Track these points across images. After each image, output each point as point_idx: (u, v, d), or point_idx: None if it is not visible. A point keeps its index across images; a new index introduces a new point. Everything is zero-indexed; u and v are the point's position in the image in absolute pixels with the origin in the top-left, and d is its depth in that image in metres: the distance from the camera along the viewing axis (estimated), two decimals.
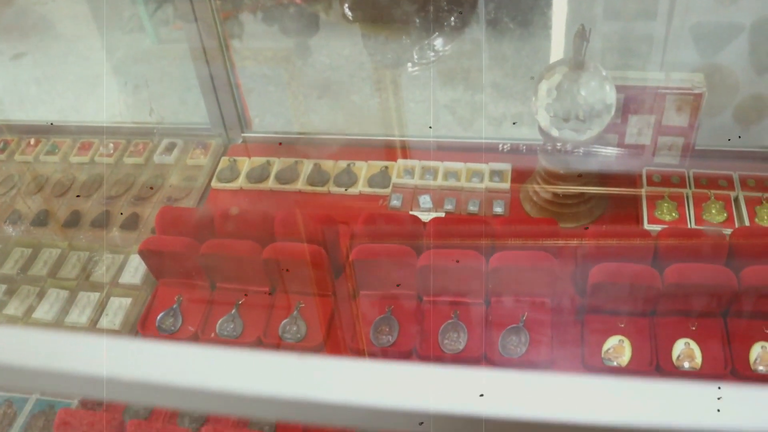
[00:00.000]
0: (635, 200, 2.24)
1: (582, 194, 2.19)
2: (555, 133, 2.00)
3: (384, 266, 1.97)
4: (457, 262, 1.91)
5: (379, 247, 1.97)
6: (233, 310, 2.06)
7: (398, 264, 1.96)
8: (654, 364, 1.88)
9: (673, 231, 1.98)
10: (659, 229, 2.04)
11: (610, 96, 1.99)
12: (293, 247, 1.99)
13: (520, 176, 2.37)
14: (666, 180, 2.27)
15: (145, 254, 2.06)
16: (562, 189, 2.19)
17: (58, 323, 2.11)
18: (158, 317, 2.07)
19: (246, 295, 2.08)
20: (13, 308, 2.14)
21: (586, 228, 2.11)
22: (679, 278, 1.85)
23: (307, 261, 1.97)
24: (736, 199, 2.19)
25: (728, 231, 2.03)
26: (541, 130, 2.10)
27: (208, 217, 2.09)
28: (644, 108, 2.22)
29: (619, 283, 1.88)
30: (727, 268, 1.87)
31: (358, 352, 1.98)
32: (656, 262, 1.93)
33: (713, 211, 2.14)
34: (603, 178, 2.26)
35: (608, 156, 2.25)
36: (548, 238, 1.97)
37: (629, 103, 2.22)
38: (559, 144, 2.06)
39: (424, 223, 2.04)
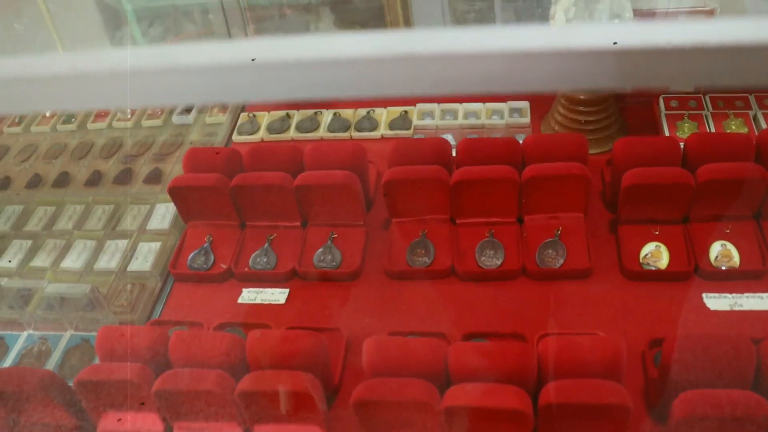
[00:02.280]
0: (655, 124, 2.26)
1: (603, 119, 2.20)
2: None
3: (416, 187, 1.97)
4: (489, 178, 1.90)
5: (411, 168, 1.98)
6: (266, 245, 2.05)
7: (430, 183, 1.96)
8: (693, 265, 1.88)
9: (700, 135, 1.99)
10: None
11: (627, 9, 2.01)
12: (325, 174, 1.99)
13: (540, 112, 2.38)
14: (683, 104, 2.30)
15: (175, 192, 2.05)
16: (584, 116, 2.20)
17: (87, 271, 2.08)
18: (189, 257, 2.06)
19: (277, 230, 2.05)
20: (41, 260, 2.12)
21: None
22: (713, 175, 1.86)
23: (339, 186, 1.97)
24: (755, 117, 2.21)
25: None
26: None
27: (236, 154, 2.09)
28: None
29: (652, 185, 1.88)
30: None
31: (391, 274, 1.96)
32: (686, 167, 1.94)
33: (734, 127, 2.16)
34: (621, 105, 2.28)
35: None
36: (577, 149, 1.97)
37: None
38: None
39: (453, 146, 2.04)
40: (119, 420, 1.68)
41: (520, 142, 2.06)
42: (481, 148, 2.01)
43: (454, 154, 2.10)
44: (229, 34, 2.62)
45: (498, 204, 1.98)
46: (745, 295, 1.83)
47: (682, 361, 1.47)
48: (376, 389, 1.52)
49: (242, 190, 2.02)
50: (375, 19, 2.59)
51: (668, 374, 1.48)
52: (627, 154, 1.95)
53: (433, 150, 2.03)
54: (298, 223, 2.08)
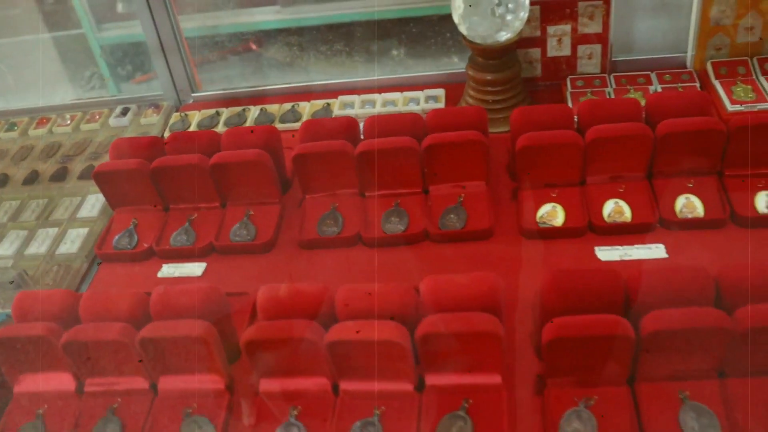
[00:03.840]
0: (562, 103, 2.37)
1: (511, 98, 2.32)
2: (464, 30, 2.15)
3: (325, 161, 2.08)
4: (391, 148, 2.01)
5: (318, 143, 2.08)
6: (186, 224, 2.14)
7: (337, 156, 2.06)
8: (586, 221, 1.98)
9: (591, 101, 2.10)
10: None
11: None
12: (238, 153, 2.10)
13: (455, 100, 2.50)
14: (588, 83, 2.42)
15: (99, 177, 2.16)
16: (491, 96, 2.32)
17: (18, 257, 2.18)
18: (115, 239, 2.16)
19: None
20: None
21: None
22: (600, 134, 1.97)
23: (251, 164, 2.08)
24: (655, 91, 2.33)
25: None
26: (464, 38, 2.25)
27: (158, 141, 2.20)
28: (560, 18, 2.38)
29: (544, 146, 1.98)
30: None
31: (303, 244, 2.06)
32: (580, 131, 2.05)
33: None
34: (530, 87, 2.41)
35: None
36: (477, 120, 2.08)
37: (546, 15, 2.37)
38: (478, 40, 2.20)
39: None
40: (33, 379, 1.76)
41: None
42: (386, 124, 2.12)
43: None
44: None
45: (403, 175, 2.08)
46: (635, 246, 1.91)
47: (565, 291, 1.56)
48: (264, 330, 1.60)
49: (162, 172, 2.12)
50: None
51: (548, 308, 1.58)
52: (523, 121, 2.07)
53: (341, 128, 2.14)
54: (217, 204, 2.18)
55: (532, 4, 2.31)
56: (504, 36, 2.20)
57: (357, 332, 1.55)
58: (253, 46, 3.53)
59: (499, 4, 2.15)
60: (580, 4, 2.34)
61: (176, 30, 2.56)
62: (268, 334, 1.59)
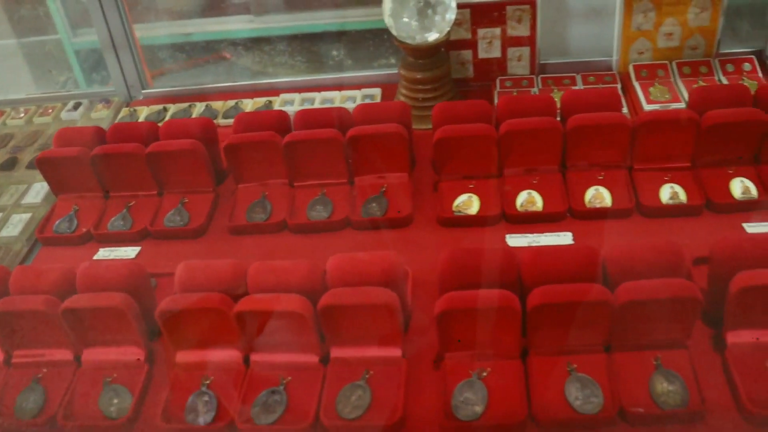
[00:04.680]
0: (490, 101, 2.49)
1: (440, 96, 2.44)
2: (394, 30, 2.27)
3: (255, 151, 2.19)
4: (317, 139, 2.12)
5: (249, 135, 2.19)
6: (124, 210, 2.25)
7: (267, 146, 2.17)
8: (500, 210, 2.09)
9: (508, 97, 2.22)
10: None
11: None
12: (174, 143, 2.21)
13: (390, 98, 2.62)
14: (517, 83, 2.54)
15: (43, 164, 2.27)
16: (422, 94, 2.44)
17: None
18: (55, 223, 2.26)
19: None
20: None
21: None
22: (512, 127, 2.08)
23: (186, 152, 2.18)
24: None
25: None
26: (395, 38, 2.37)
27: (100, 131, 2.31)
28: (490, 21, 2.50)
29: (460, 138, 2.10)
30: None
31: (232, 230, 2.17)
32: (494, 124, 2.16)
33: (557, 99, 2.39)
34: (459, 87, 2.53)
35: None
36: (400, 115, 2.20)
37: (476, 18, 2.50)
38: (407, 40, 2.32)
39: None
40: None
41: None
42: (315, 117, 2.23)
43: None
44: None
45: (329, 166, 2.19)
46: (544, 234, 2.03)
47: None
48: (176, 301, 1.71)
49: (102, 160, 2.23)
50: None
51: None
52: (443, 116, 2.18)
53: (272, 120, 2.25)
54: (155, 192, 2.29)
55: (462, 7, 2.43)
56: (432, 36, 2.32)
57: (262, 302, 1.65)
58: (227, 55, 3.65)
59: (426, 6, 2.26)
60: (508, 7, 2.46)
61: (127, 28, 2.68)
62: (179, 305, 1.69)
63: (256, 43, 3.39)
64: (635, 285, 1.60)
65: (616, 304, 1.59)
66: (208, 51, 3.63)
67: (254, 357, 1.75)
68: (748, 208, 2.05)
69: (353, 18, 3.44)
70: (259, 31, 3.60)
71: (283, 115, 2.25)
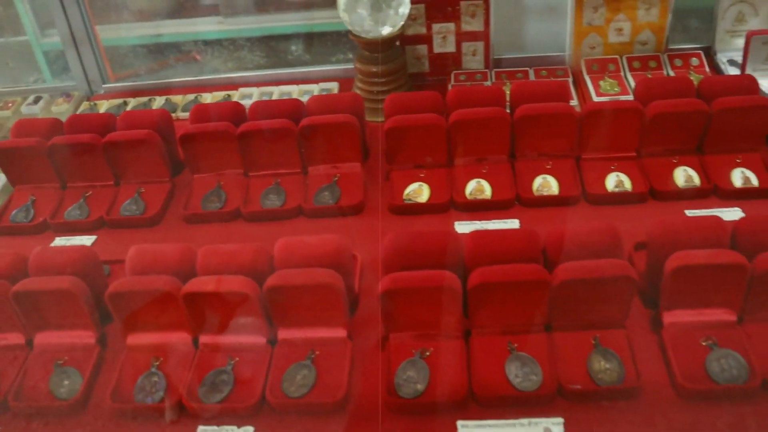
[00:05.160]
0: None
1: (395, 89, 2.49)
2: (348, 24, 2.31)
3: (209, 141, 2.22)
4: (270, 129, 2.16)
5: (204, 125, 2.23)
6: (81, 200, 2.28)
7: (221, 136, 2.21)
8: (449, 198, 2.14)
9: (457, 89, 2.27)
10: None
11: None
12: (131, 133, 2.24)
13: (347, 91, 2.66)
14: (471, 77, 2.60)
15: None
16: (377, 87, 2.49)
17: None
18: (12, 213, 2.28)
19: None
20: None
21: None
22: (461, 116, 2.13)
23: (141, 143, 2.22)
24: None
25: None
26: (350, 32, 2.42)
27: (58, 122, 2.34)
28: (444, 16, 2.55)
29: (410, 127, 2.14)
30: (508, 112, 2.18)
31: (187, 218, 2.20)
32: (445, 114, 2.21)
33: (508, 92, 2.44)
34: (415, 81, 2.57)
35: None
36: (352, 105, 2.24)
37: (431, 13, 2.55)
38: (362, 34, 2.36)
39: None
40: None
41: None
42: (269, 109, 2.27)
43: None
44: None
45: (282, 156, 2.24)
46: (492, 221, 2.07)
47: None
48: (124, 283, 1.74)
49: (58, 150, 2.26)
50: None
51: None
52: (395, 106, 2.23)
53: (227, 112, 2.29)
54: (111, 183, 2.32)
55: (417, 2, 2.48)
56: (386, 30, 2.37)
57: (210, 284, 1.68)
58: (197, 56, 3.68)
59: (380, 0, 2.31)
60: (462, 3, 2.52)
61: (87, 23, 2.71)
62: (128, 287, 1.72)
63: (217, 40, 3.43)
64: (572, 265, 1.65)
65: (553, 283, 1.63)
66: (177, 52, 3.66)
67: (203, 339, 1.78)
68: (690, 196, 2.10)
69: (320, 20, 3.49)
70: (229, 32, 3.65)
71: (238, 106, 2.29)
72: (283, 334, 1.77)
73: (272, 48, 3.13)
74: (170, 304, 1.73)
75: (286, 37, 3.39)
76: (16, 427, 1.71)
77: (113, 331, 1.87)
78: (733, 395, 1.59)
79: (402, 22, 2.37)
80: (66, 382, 1.75)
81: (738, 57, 2.50)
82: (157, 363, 1.76)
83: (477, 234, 1.77)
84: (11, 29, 4.03)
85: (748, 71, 2.43)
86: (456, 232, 1.84)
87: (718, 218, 1.76)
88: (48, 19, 3.86)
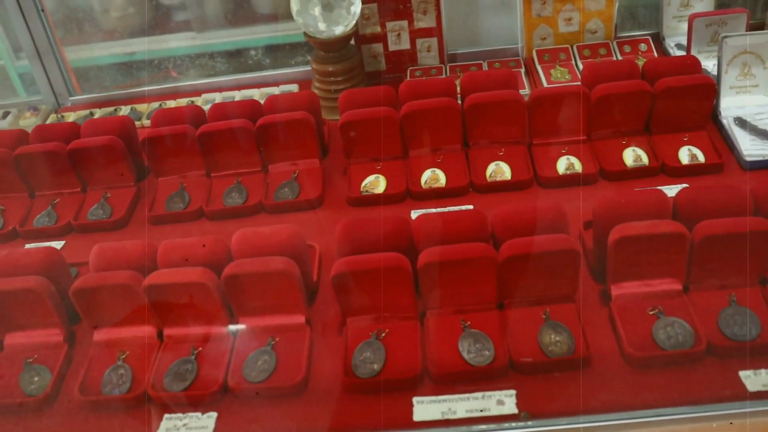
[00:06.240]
0: None
1: (352, 87, 2.56)
2: (302, 26, 2.38)
3: (172, 145, 2.29)
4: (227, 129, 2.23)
5: (164, 128, 2.30)
6: (49, 208, 2.34)
7: (183, 141, 2.28)
8: (405, 188, 2.20)
9: (409, 82, 2.34)
10: None
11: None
12: (94, 140, 2.30)
13: None
14: (426, 72, 2.67)
15: None
16: (333, 86, 2.56)
17: None
18: None
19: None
20: None
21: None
22: (413, 108, 2.20)
23: (106, 149, 2.28)
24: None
25: None
26: (305, 33, 2.49)
27: (23, 133, 2.40)
28: (396, 14, 2.63)
29: (363, 120, 2.21)
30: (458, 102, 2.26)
31: (153, 220, 2.26)
32: (398, 108, 2.28)
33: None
34: (373, 79, 2.65)
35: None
36: (308, 103, 2.31)
37: (383, 12, 2.62)
38: (316, 34, 2.43)
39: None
40: None
41: None
42: (227, 110, 2.34)
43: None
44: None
45: (242, 155, 2.30)
46: (447, 208, 2.14)
47: None
48: (87, 280, 1.80)
49: (23, 160, 2.32)
50: None
51: None
52: (349, 102, 2.29)
53: (188, 115, 2.37)
54: (78, 189, 2.38)
55: (369, 1, 2.55)
56: (338, 29, 2.44)
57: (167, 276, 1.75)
58: (174, 73, 3.74)
59: (330, 1, 2.38)
60: (413, 0, 2.58)
61: (51, 36, 2.77)
62: (91, 283, 1.78)
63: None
64: (517, 242, 1.72)
65: (499, 260, 1.69)
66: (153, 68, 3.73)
67: (167, 331, 1.84)
68: (639, 175, 2.17)
69: (284, 31, 3.55)
70: (202, 47, 3.71)
71: (198, 109, 2.36)
72: (243, 321, 1.82)
73: (233, 55, 3.20)
74: (133, 299, 1.78)
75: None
76: None
77: (81, 331, 1.92)
78: (680, 361, 1.64)
79: (354, 21, 2.44)
80: (36, 379, 1.81)
81: (685, 41, 2.57)
82: (123, 356, 1.82)
83: (424, 217, 1.83)
84: None
85: (693, 53, 2.50)
86: (405, 217, 1.89)
87: (660, 192, 1.83)
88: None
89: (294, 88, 2.72)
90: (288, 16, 3.45)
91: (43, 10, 2.76)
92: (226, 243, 1.83)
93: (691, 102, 2.20)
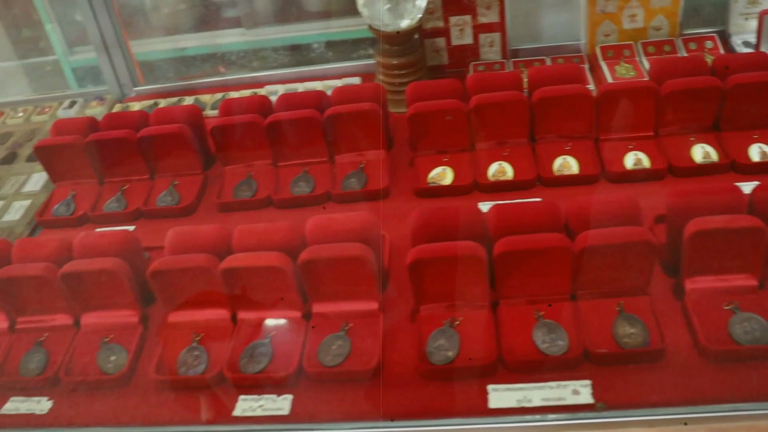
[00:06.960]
0: None
1: (416, 80, 2.57)
2: (368, 19, 2.40)
3: (240, 134, 2.32)
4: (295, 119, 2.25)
5: (233, 118, 2.33)
6: (118, 194, 2.38)
7: (251, 130, 2.30)
8: (473, 180, 2.21)
9: (477, 75, 2.35)
10: None
11: None
12: (163, 128, 2.34)
13: None
14: (489, 67, 2.68)
15: (40, 151, 2.40)
16: (398, 79, 2.57)
17: None
18: (54, 208, 2.39)
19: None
20: None
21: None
22: (481, 101, 2.21)
23: (175, 137, 2.32)
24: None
25: None
26: (370, 26, 2.51)
27: (93, 121, 2.44)
28: (460, 9, 2.64)
29: (431, 112, 2.22)
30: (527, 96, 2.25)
31: (221, 207, 2.29)
32: (466, 100, 2.29)
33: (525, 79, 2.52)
34: (435, 73, 2.66)
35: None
36: (374, 94, 2.33)
37: (447, 6, 2.63)
38: (383, 28, 2.45)
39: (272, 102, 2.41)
40: None
41: None
42: (295, 100, 2.36)
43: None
44: None
45: (310, 145, 2.32)
46: (515, 200, 2.14)
47: None
48: (165, 262, 1.83)
49: (95, 146, 2.36)
50: None
51: None
52: (416, 94, 2.31)
53: (255, 105, 2.39)
54: (147, 176, 2.44)
55: None
56: (404, 23, 2.45)
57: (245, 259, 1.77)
58: (222, 69, 3.80)
59: None
60: None
61: (117, 28, 2.82)
62: (169, 265, 1.81)
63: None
64: (593, 233, 1.72)
65: (575, 251, 1.69)
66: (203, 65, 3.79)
67: (241, 315, 1.86)
68: (708, 172, 2.16)
69: (337, 28, 3.59)
70: (251, 43, 3.76)
71: (265, 100, 2.39)
72: (317, 308, 1.84)
73: (295, 49, 3.23)
74: (209, 281, 1.81)
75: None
76: (67, 399, 1.79)
77: (154, 313, 1.95)
78: (757, 356, 1.63)
79: (420, 15, 2.45)
80: (112, 358, 1.84)
81: (752, 39, 2.56)
82: (198, 338, 1.84)
83: (500, 207, 1.83)
84: (40, 49, 4.17)
85: (763, 50, 2.48)
86: (476, 207, 1.90)
87: (735, 186, 1.81)
88: (74, 37, 4.01)
89: (356, 80, 2.74)
90: (339, 13, 3.51)
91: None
92: (300, 229, 1.85)
93: (762, 99, 2.18)
